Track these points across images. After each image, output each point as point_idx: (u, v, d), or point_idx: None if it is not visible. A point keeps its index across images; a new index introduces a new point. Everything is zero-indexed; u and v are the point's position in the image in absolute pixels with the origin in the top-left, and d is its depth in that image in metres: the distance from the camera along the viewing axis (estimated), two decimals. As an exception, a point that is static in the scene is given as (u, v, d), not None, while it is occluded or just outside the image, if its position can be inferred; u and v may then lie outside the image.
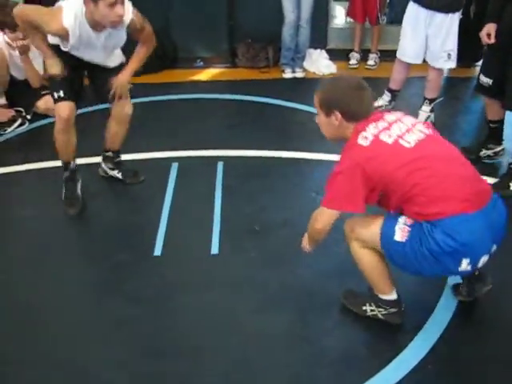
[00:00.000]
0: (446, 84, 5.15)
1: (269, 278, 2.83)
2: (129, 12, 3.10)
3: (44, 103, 4.50)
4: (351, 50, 5.78)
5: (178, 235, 3.17)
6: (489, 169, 3.69)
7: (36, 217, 3.38)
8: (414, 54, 4.25)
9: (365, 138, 2.20)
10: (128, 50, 3.38)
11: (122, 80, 3.31)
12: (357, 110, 2.26)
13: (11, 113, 4.45)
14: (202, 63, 5.85)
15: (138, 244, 3.13)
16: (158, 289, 2.81)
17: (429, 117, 4.28)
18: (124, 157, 3.75)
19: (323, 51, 5.78)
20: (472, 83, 4.92)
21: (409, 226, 2.23)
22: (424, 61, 4.29)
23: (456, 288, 2.67)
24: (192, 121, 4.55)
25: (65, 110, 3.22)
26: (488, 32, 3.48)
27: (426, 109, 4.31)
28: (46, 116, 4.49)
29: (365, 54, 5.78)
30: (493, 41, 3.48)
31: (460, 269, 2.21)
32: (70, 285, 2.86)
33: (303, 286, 2.78)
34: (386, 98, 4.62)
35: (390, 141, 2.19)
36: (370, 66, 5.70)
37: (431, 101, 4.34)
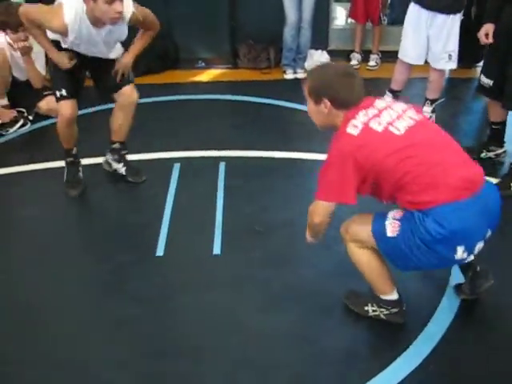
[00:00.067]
0: (447, 85, 5.15)
1: (271, 278, 2.84)
2: (129, 6, 3.12)
3: (46, 104, 4.51)
4: (352, 51, 5.79)
5: (180, 236, 3.18)
6: (490, 169, 3.69)
7: (37, 217, 3.39)
8: (415, 54, 4.25)
9: (354, 126, 2.18)
10: (128, 43, 3.42)
11: (126, 62, 3.38)
12: (346, 98, 2.24)
13: (13, 113, 4.46)
14: (203, 64, 5.86)
15: (140, 244, 3.13)
16: (160, 289, 2.81)
17: (430, 117, 4.29)
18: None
19: (324, 52, 5.79)
20: (473, 84, 4.95)
21: (398, 220, 2.22)
22: (426, 62, 4.29)
23: (458, 287, 2.67)
24: (194, 121, 4.56)
25: (67, 108, 3.32)
26: (486, 32, 3.50)
27: (427, 109, 4.32)
28: (47, 117, 4.51)
29: (366, 55, 5.79)
30: (491, 41, 3.50)
31: (456, 257, 2.19)
32: (71, 285, 2.86)
33: (305, 286, 2.78)
34: (387, 98, 4.62)
35: (379, 128, 2.17)
36: (371, 66, 5.70)
37: (433, 101, 4.34)
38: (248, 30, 5.77)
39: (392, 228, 2.23)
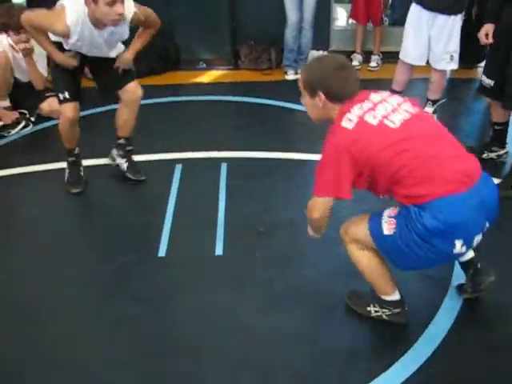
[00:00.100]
0: (448, 85, 5.13)
1: (272, 278, 2.84)
2: (130, 7, 3.15)
3: (48, 105, 4.52)
4: (353, 52, 5.79)
5: (183, 236, 3.18)
6: (491, 170, 3.68)
7: (39, 217, 3.40)
8: (417, 55, 4.25)
9: (349, 120, 2.17)
10: (129, 41, 3.44)
11: (126, 58, 3.41)
12: (340, 91, 2.23)
13: (15, 115, 4.46)
14: (204, 65, 5.87)
15: (142, 245, 3.14)
16: (162, 289, 2.82)
17: (431, 118, 4.30)
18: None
19: (325, 53, 5.78)
20: (474, 84, 4.95)
21: (393, 218, 2.22)
22: (427, 62, 4.30)
23: (460, 287, 2.67)
24: (195, 122, 4.56)
25: (70, 110, 3.36)
26: (486, 32, 3.52)
27: (428, 110, 4.32)
28: (49, 118, 4.52)
29: (367, 56, 5.79)
30: (491, 41, 3.51)
31: (455, 251, 2.18)
32: (73, 285, 2.87)
33: (307, 286, 2.78)
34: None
35: (374, 122, 2.16)
36: (372, 67, 5.70)
37: (434, 102, 4.34)
38: (249, 30, 5.77)
39: (388, 226, 2.23)
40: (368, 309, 2.55)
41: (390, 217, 2.24)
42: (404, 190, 2.17)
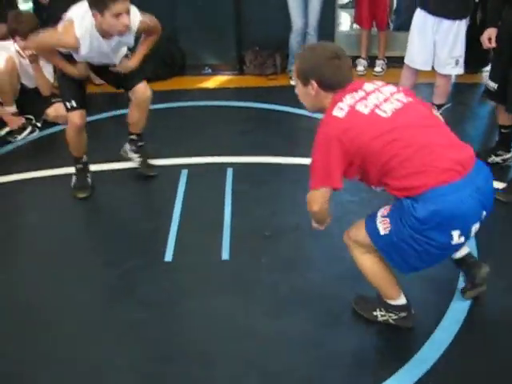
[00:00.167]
0: (453, 90, 5.14)
1: (279, 283, 2.85)
2: (136, 16, 3.19)
3: (54, 111, 4.53)
4: (358, 57, 5.80)
5: (189, 241, 3.19)
6: (497, 174, 3.68)
7: (45, 222, 3.42)
8: (422, 60, 4.25)
9: (340, 108, 2.16)
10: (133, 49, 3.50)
11: (130, 66, 3.46)
12: (332, 79, 2.22)
13: (22, 120, 4.48)
14: (210, 71, 5.88)
15: (148, 249, 3.15)
16: (169, 294, 2.83)
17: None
18: (134, 164, 3.80)
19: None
20: (479, 89, 4.95)
21: (386, 217, 2.22)
22: (432, 67, 4.30)
23: (462, 289, 2.68)
24: (200, 128, 4.58)
25: (78, 118, 3.41)
26: (489, 36, 3.54)
27: (434, 115, 4.32)
28: (55, 124, 4.54)
29: (372, 61, 5.79)
30: (494, 45, 3.52)
31: (453, 242, 2.15)
32: (79, 288, 2.88)
33: (313, 290, 2.79)
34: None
35: (366, 111, 2.15)
36: (377, 72, 5.71)
37: (439, 107, 4.34)
38: (254, 36, 5.78)
39: (383, 226, 2.22)
40: (374, 313, 2.56)
41: (383, 217, 2.23)
42: (396, 182, 2.14)
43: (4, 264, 3.09)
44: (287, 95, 5.23)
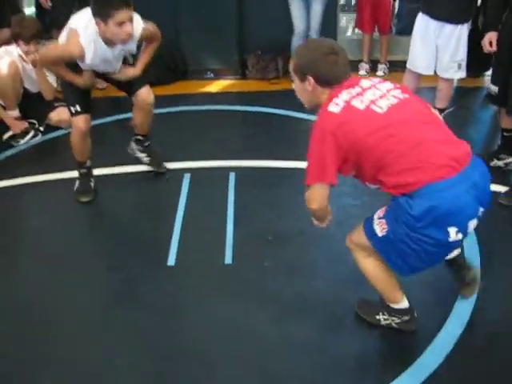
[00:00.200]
0: (455, 94, 5.14)
1: (283, 288, 2.84)
2: (139, 23, 3.20)
3: (57, 115, 4.54)
4: (360, 61, 5.81)
5: (192, 245, 3.19)
6: (499, 178, 3.68)
7: (48, 226, 3.42)
8: (424, 64, 4.26)
9: (336, 104, 2.16)
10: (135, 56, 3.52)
11: (133, 74, 3.47)
12: (329, 75, 2.22)
13: (24, 125, 4.49)
14: (212, 75, 5.89)
15: (151, 254, 3.15)
16: (172, 298, 2.83)
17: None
18: (136, 168, 3.83)
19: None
20: (481, 93, 4.97)
21: (382, 218, 2.22)
22: (434, 71, 4.30)
23: (460, 291, 2.69)
24: (203, 132, 4.58)
25: (82, 123, 3.42)
26: (489, 40, 3.56)
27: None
28: (58, 128, 4.54)
29: (374, 65, 5.81)
30: (494, 49, 3.54)
31: (450, 239, 2.12)
32: (81, 292, 2.88)
33: (317, 295, 2.79)
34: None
35: (361, 106, 2.15)
36: (379, 76, 5.71)
37: (442, 111, 4.34)
38: (256, 40, 5.79)
39: (380, 227, 2.22)
40: (377, 317, 2.56)
41: (379, 218, 2.23)
42: (391, 179, 2.13)
43: (7, 266, 3.09)
44: (290, 99, 5.21)
